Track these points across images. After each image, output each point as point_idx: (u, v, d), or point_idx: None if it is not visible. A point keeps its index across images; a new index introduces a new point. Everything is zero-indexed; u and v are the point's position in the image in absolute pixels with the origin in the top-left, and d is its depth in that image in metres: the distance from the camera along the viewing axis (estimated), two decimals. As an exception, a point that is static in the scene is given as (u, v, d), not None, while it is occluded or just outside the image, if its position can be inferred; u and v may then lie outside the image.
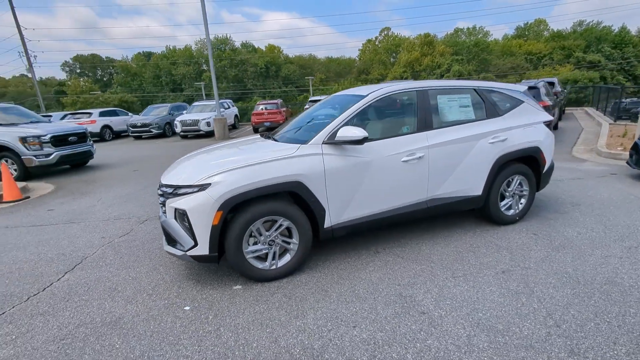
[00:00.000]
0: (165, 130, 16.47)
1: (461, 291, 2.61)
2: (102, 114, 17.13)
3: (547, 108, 8.20)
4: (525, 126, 3.73)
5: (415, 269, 2.98)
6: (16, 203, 5.94)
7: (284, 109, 18.23)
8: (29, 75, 26.09)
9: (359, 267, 3.08)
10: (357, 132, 2.85)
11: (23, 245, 3.96)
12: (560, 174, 5.69)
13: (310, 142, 2.96)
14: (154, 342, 2.23)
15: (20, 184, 6.74)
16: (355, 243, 3.57)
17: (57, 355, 2.16)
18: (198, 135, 15.63)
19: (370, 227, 3.25)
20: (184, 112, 17.57)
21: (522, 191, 3.85)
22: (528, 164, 3.84)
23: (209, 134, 15.25)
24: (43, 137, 7.86)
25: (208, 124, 15.08)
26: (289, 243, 2.92)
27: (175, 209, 2.71)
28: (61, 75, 64.55)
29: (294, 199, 2.96)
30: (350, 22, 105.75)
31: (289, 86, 54.39)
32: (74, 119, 16.40)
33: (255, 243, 2.82)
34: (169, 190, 2.77)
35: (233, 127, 18.88)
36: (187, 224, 2.66)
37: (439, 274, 2.88)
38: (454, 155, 3.38)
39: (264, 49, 60.37)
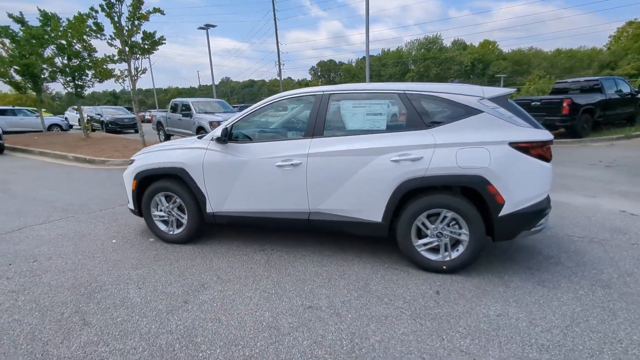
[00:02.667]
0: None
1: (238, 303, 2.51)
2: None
3: None
4: (467, 145, 2.67)
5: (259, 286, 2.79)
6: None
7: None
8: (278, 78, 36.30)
9: (245, 260, 3.35)
10: (218, 133, 3.13)
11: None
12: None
13: (204, 138, 3.45)
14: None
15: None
16: (246, 239, 3.72)
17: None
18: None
19: (253, 224, 3.39)
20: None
21: (457, 234, 2.79)
22: (471, 198, 2.74)
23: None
24: (221, 122, 11.25)
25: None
26: (182, 218, 3.58)
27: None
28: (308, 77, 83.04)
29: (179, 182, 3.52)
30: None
31: (496, 84, 48.08)
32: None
33: (160, 210, 3.66)
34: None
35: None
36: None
37: (266, 287, 2.78)
38: (340, 169, 2.93)
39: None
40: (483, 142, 2.64)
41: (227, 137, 3.22)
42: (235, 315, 2.37)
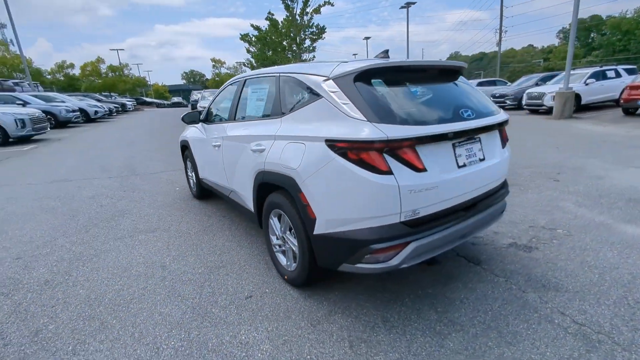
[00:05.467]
0: (520, 103, 15.09)
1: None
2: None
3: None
4: (293, 139, 2.17)
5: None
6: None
7: None
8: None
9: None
10: (182, 114, 3.86)
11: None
12: None
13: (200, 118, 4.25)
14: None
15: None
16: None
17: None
18: (539, 111, 13.10)
19: (219, 194, 3.93)
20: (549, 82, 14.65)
21: (291, 242, 2.35)
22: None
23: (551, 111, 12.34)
24: None
25: (553, 98, 12.18)
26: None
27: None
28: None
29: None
30: None
31: None
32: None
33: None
34: None
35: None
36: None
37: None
38: (233, 155, 3.02)
39: None
40: (305, 137, 2.08)
41: (204, 118, 3.90)
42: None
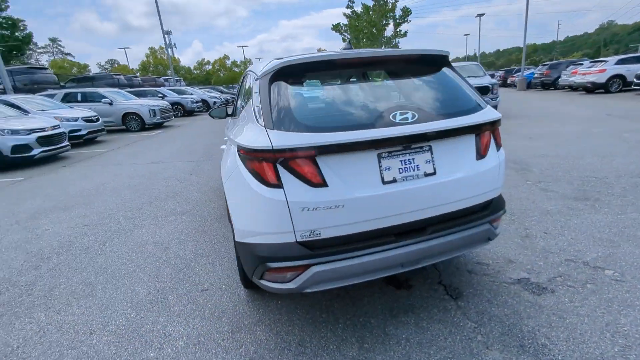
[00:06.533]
0: None
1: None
2: (621, 62, 14.11)
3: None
4: (231, 141, 2.12)
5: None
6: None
7: None
8: None
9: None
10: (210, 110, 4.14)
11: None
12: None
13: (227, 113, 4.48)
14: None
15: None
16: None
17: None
18: None
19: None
20: None
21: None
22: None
23: None
24: None
25: None
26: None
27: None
28: None
29: None
30: None
31: None
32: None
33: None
34: None
35: None
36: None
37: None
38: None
39: None
40: (232, 140, 2.02)
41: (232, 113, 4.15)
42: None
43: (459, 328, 1.90)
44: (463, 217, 1.87)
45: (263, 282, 1.78)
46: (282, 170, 1.59)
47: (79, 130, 9.97)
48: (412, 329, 1.94)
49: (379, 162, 1.66)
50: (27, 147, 7.44)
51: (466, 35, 52.46)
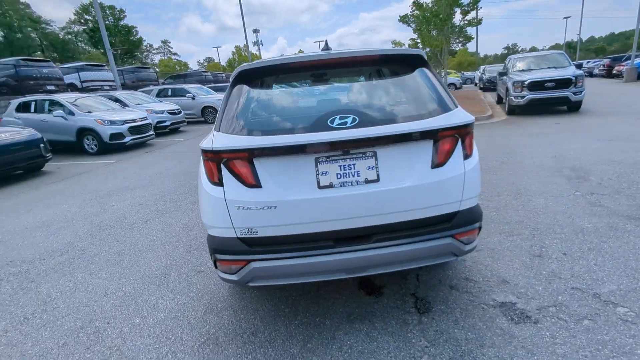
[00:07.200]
0: None
1: None
2: None
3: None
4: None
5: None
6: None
7: None
8: None
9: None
10: None
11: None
12: None
13: None
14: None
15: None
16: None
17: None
18: None
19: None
20: None
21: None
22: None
23: None
24: (524, 82, 9.19)
25: None
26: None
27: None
28: None
29: None
30: None
31: None
32: None
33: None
34: None
35: None
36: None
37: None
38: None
39: None
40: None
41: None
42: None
43: (409, 344, 1.79)
44: (418, 229, 1.74)
45: (217, 271, 1.94)
46: (224, 170, 1.70)
47: (164, 121, 11.51)
48: (361, 337, 1.89)
49: (316, 166, 1.65)
50: (120, 135, 8.91)
51: (566, 18, 44.49)
